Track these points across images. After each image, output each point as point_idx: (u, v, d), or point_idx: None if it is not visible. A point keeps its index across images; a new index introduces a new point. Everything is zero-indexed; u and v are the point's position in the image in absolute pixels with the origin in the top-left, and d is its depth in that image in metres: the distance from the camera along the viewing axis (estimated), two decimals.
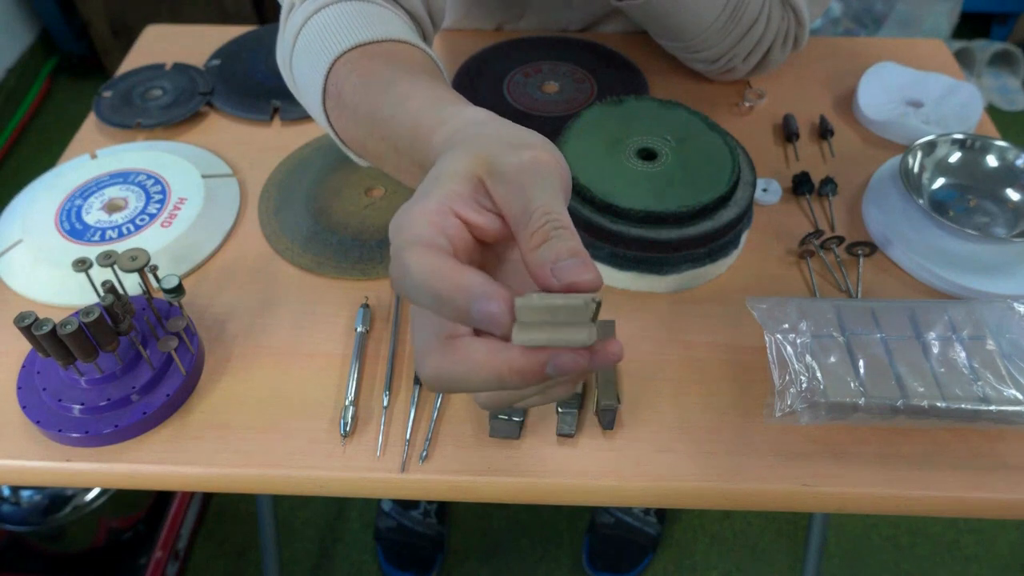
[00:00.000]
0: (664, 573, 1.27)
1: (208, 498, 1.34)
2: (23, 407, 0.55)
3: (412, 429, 0.56)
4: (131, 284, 0.58)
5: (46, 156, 2.01)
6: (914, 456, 0.54)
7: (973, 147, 0.71)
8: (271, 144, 0.79)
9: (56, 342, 0.51)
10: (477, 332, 0.33)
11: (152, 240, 0.67)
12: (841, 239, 0.66)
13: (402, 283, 0.32)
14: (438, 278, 0.31)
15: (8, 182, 1.94)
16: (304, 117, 0.81)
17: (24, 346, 0.60)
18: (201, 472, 0.54)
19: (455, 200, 0.33)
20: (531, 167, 0.34)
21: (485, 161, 0.34)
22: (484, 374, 0.31)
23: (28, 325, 0.50)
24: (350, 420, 0.55)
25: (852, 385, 0.54)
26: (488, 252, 0.36)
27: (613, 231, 0.60)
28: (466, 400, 0.57)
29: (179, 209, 0.70)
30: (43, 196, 0.71)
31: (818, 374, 0.54)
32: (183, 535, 1.25)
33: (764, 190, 0.72)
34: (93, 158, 0.76)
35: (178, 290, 0.55)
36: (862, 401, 0.53)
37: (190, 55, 0.89)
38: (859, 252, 0.66)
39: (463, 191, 0.34)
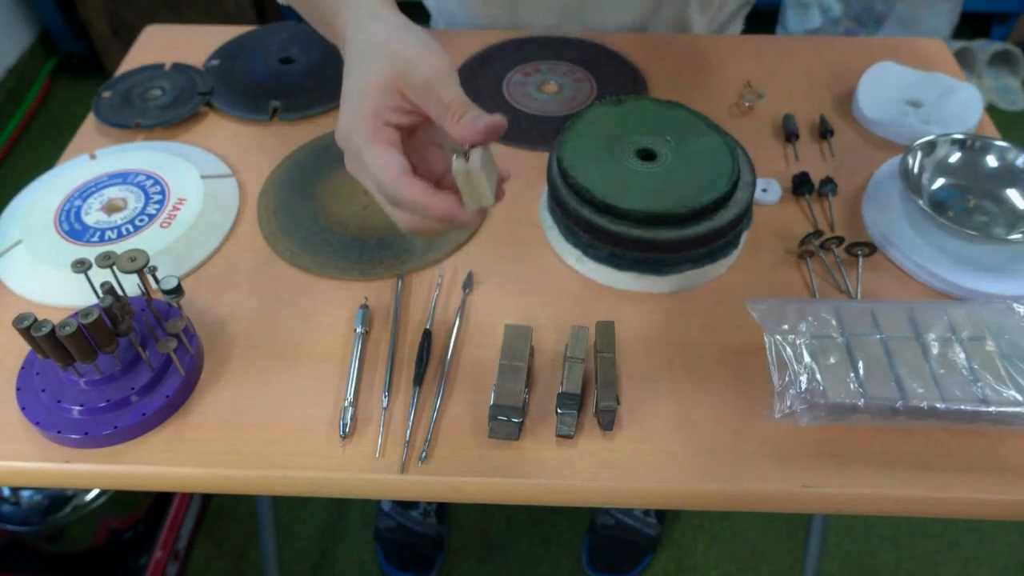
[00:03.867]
0: (664, 573, 1.27)
1: (208, 498, 1.34)
2: (22, 408, 0.55)
3: (411, 430, 0.56)
4: (130, 285, 0.58)
5: (46, 156, 2.00)
6: (914, 457, 0.54)
7: (973, 147, 0.71)
8: (270, 144, 0.79)
9: (55, 343, 0.51)
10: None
11: (151, 241, 0.67)
12: (841, 239, 0.66)
13: (361, 176, 0.49)
14: (397, 185, 0.46)
15: (8, 182, 1.94)
16: (304, 117, 0.81)
17: (23, 347, 0.60)
18: (200, 473, 0.54)
19: (384, 113, 0.48)
20: (435, 75, 0.47)
21: (400, 76, 0.47)
22: (422, 201, 0.47)
23: (27, 326, 0.50)
24: (349, 421, 0.55)
25: (852, 386, 0.54)
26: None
27: (613, 232, 0.60)
28: (466, 401, 0.58)
29: (178, 210, 0.70)
30: (42, 197, 0.71)
31: (818, 375, 0.54)
32: (183, 535, 1.24)
33: (764, 190, 0.72)
34: (92, 158, 0.76)
35: (177, 291, 0.55)
36: (862, 402, 0.53)
37: (189, 55, 0.89)
38: (859, 252, 0.66)
39: (389, 103, 0.48)
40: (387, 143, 0.48)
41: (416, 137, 0.52)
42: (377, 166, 0.47)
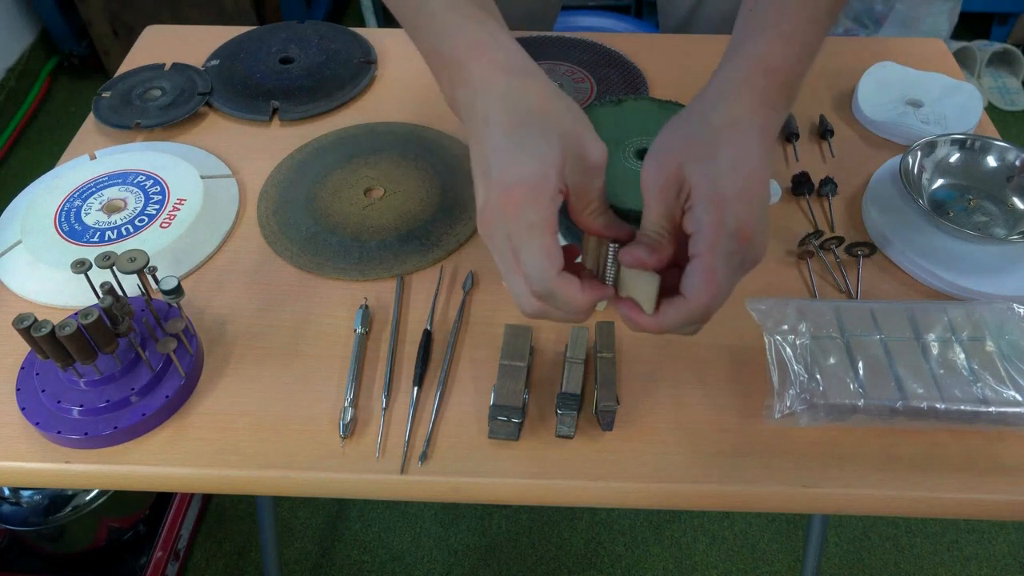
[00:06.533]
0: (664, 573, 1.27)
1: (208, 498, 1.34)
2: (22, 409, 0.55)
3: (411, 430, 0.56)
4: (130, 285, 0.58)
5: (46, 156, 2.00)
6: (913, 457, 0.54)
7: (973, 147, 0.71)
8: (270, 144, 0.79)
9: (55, 344, 0.51)
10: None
11: (151, 241, 0.67)
12: (841, 239, 0.66)
13: (507, 252, 0.44)
14: (553, 284, 0.43)
15: (8, 182, 1.94)
16: (304, 117, 0.81)
17: (23, 347, 0.60)
18: (200, 473, 0.54)
19: (556, 196, 0.44)
20: (592, 169, 0.45)
21: (574, 159, 0.44)
22: (575, 300, 0.44)
23: (27, 327, 0.50)
24: (349, 421, 0.55)
25: (851, 386, 0.54)
26: None
27: None
28: (466, 401, 0.57)
29: (178, 210, 0.70)
30: (42, 197, 0.71)
31: (817, 375, 0.54)
32: (183, 535, 1.24)
33: None
34: (92, 159, 0.76)
35: (177, 291, 0.55)
36: (861, 402, 0.53)
37: (189, 55, 0.89)
38: (859, 252, 0.66)
39: (560, 184, 0.44)
40: (555, 231, 0.44)
41: None
42: (537, 256, 0.43)
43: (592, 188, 0.46)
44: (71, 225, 0.69)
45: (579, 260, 0.49)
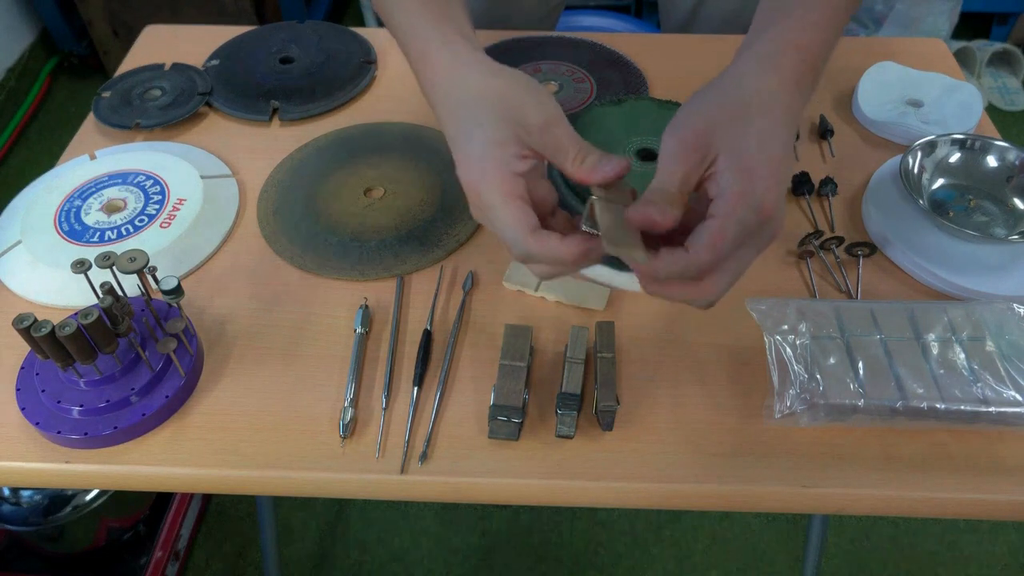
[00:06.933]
0: (664, 573, 1.27)
1: (208, 498, 1.34)
2: (22, 409, 0.55)
3: (411, 430, 0.56)
4: (130, 285, 0.58)
5: (46, 156, 2.00)
6: (913, 457, 0.54)
7: (973, 147, 0.71)
8: (270, 144, 0.79)
9: (55, 344, 0.51)
10: (545, 225, 0.47)
11: (151, 241, 0.67)
12: (841, 239, 0.66)
13: (490, 227, 0.48)
14: (528, 244, 0.45)
15: (8, 182, 1.94)
16: (304, 117, 0.81)
17: (23, 347, 0.60)
18: (200, 473, 0.54)
19: (512, 163, 0.46)
20: (549, 119, 0.46)
21: (517, 123, 0.47)
22: (556, 254, 0.45)
23: (27, 327, 0.50)
24: (349, 421, 0.55)
25: (851, 386, 0.54)
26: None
27: None
28: (466, 402, 0.58)
29: (178, 210, 0.70)
30: (42, 197, 0.71)
31: (817, 375, 0.54)
32: (183, 535, 1.24)
33: None
34: (92, 159, 0.76)
35: (177, 291, 0.55)
36: (861, 402, 0.53)
37: (189, 55, 0.88)
38: (859, 253, 0.66)
39: (514, 152, 0.47)
40: (517, 198, 0.46)
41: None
42: (508, 224, 0.46)
43: (558, 142, 0.46)
44: (71, 225, 0.69)
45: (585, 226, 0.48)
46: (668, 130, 0.46)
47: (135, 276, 0.55)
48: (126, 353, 0.56)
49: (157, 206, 0.70)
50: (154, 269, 0.56)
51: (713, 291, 0.45)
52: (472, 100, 0.48)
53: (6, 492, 1.10)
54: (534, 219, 0.46)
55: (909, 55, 0.88)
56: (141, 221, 0.69)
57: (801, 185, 0.72)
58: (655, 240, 0.46)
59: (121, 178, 0.73)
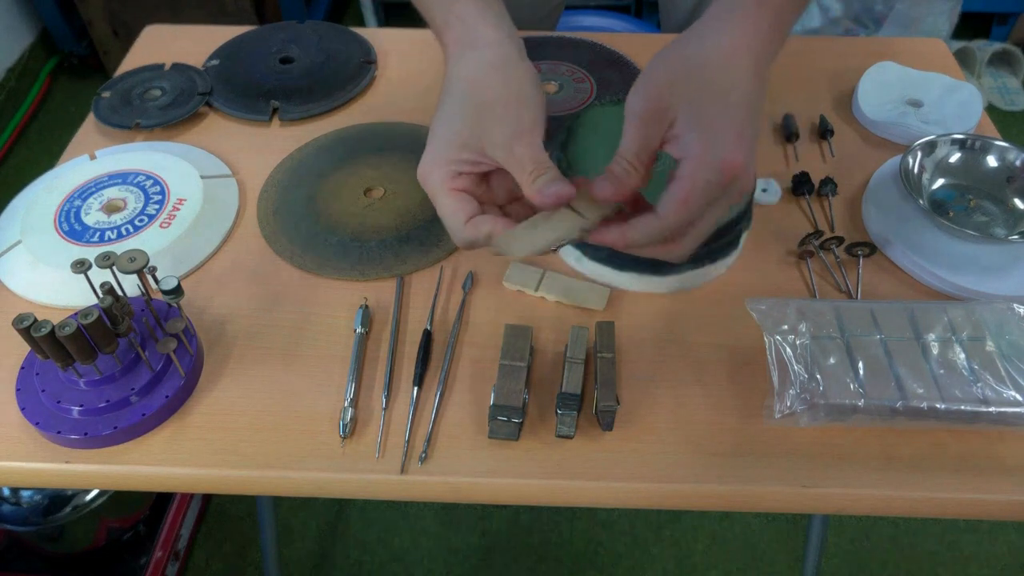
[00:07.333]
0: (664, 573, 1.27)
1: (208, 498, 1.34)
2: (22, 409, 0.55)
3: (411, 430, 0.56)
4: (130, 285, 0.58)
5: (46, 156, 2.00)
6: (913, 457, 0.54)
7: (973, 147, 0.71)
8: (270, 144, 0.79)
9: (55, 344, 0.51)
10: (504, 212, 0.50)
11: (151, 241, 0.67)
12: (841, 239, 0.66)
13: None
14: (464, 233, 0.48)
15: (8, 182, 1.94)
16: (304, 117, 0.81)
17: (23, 347, 0.60)
18: (200, 473, 0.54)
19: (459, 165, 0.49)
20: (516, 135, 0.47)
21: (483, 134, 0.47)
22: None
23: (27, 327, 0.50)
24: (349, 421, 0.55)
25: (851, 386, 0.54)
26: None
27: None
28: (466, 401, 0.57)
29: (178, 210, 0.70)
30: (42, 197, 0.71)
31: (817, 375, 0.54)
32: (183, 535, 1.24)
33: (764, 190, 0.72)
34: (92, 159, 0.76)
35: (177, 291, 0.55)
36: (861, 402, 0.53)
37: (189, 55, 0.88)
38: (859, 252, 0.66)
39: (466, 157, 0.48)
40: (458, 190, 0.49)
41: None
42: (445, 214, 0.49)
43: (518, 160, 0.46)
44: (71, 225, 0.69)
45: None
46: (631, 91, 0.46)
47: (135, 276, 0.55)
48: (126, 353, 0.56)
49: (157, 206, 0.70)
50: (154, 269, 0.56)
51: (685, 249, 0.47)
52: (458, 94, 0.49)
53: (6, 492, 1.10)
54: (471, 209, 0.48)
55: (909, 55, 0.88)
56: (141, 221, 0.69)
57: (801, 185, 0.72)
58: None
59: (121, 178, 0.73)
